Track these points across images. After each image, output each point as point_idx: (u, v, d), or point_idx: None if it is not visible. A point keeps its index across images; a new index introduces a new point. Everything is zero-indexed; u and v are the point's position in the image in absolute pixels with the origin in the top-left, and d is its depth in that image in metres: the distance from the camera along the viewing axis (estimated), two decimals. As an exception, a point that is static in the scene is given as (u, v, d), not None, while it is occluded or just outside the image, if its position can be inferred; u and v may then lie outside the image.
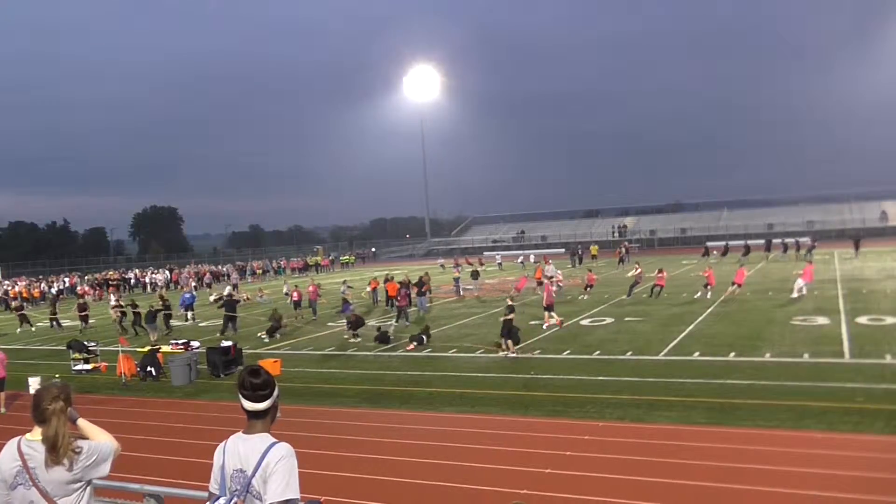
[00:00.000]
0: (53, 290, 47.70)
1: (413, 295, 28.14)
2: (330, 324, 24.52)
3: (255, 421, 3.26)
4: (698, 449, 9.38)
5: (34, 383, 16.09)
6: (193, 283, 45.74)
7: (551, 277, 32.31)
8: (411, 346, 18.79)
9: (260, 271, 59.41)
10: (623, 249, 48.73)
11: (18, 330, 29.89)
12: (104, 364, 18.78)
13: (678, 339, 17.81)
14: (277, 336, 22.30)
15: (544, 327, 20.76)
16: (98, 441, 3.60)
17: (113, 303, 29.21)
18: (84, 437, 3.62)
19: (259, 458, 3.13)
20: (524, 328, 20.81)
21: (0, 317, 37.34)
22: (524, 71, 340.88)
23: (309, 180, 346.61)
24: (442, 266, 49.77)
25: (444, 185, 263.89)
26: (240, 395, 3.26)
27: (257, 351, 19.93)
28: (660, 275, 26.95)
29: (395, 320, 23.58)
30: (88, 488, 3.58)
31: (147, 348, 18.37)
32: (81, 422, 3.68)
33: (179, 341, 20.89)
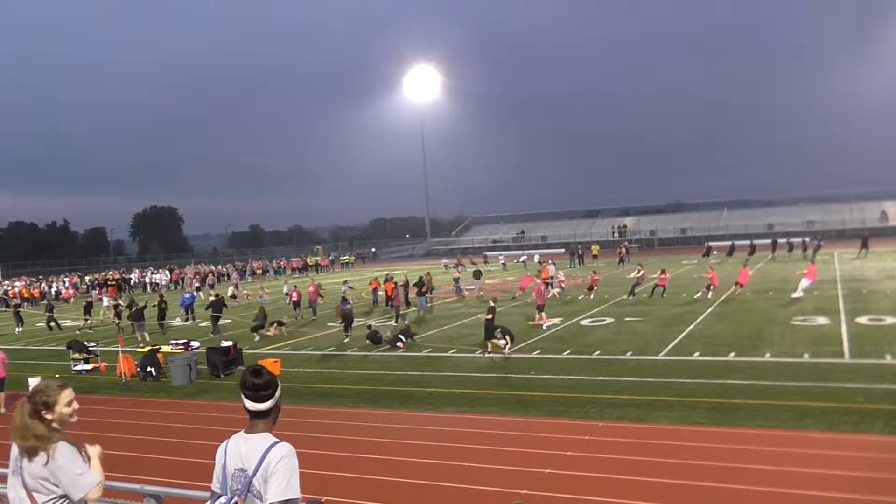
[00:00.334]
0: (53, 291, 47.71)
1: (413, 295, 28.21)
2: (330, 324, 24.51)
3: (256, 421, 3.27)
4: (698, 449, 9.38)
5: (34, 383, 16.12)
6: (197, 284, 45.75)
7: (551, 277, 32.37)
8: (400, 345, 18.87)
9: (260, 271, 59.41)
10: (623, 249, 48.73)
11: (18, 329, 29.94)
12: (104, 364, 18.78)
13: (678, 339, 17.81)
14: (260, 333, 22.31)
15: (545, 327, 20.77)
16: (83, 467, 3.58)
17: (106, 303, 29.26)
18: (83, 449, 3.67)
19: (260, 457, 3.14)
20: (524, 328, 20.85)
21: (0, 317, 37.33)
22: (524, 71, 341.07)
23: (309, 180, 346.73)
24: (445, 266, 49.80)
25: (444, 185, 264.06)
26: (242, 395, 3.27)
27: (257, 351, 19.93)
28: (662, 276, 26.92)
29: (393, 321, 23.59)
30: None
31: (147, 348, 18.37)
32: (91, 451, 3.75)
33: (179, 341, 20.91)
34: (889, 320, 18.57)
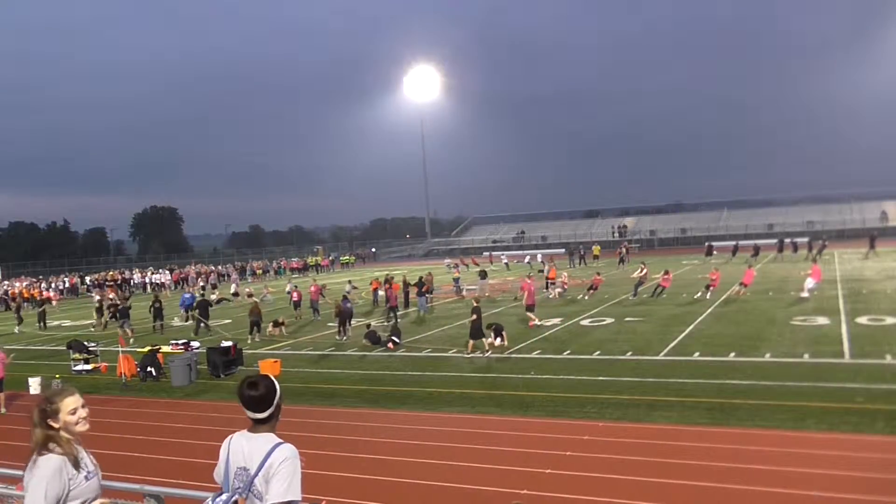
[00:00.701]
0: (51, 292, 47.68)
1: (413, 295, 28.21)
2: (330, 324, 24.49)
3: (258, 424, 3.30)
4: (698, 449, 9.38)
5: (34, 383, 16.13)
6: (202, 283, 45.77)
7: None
8: (391, 346, 18.92)
9: (260, 271, 59.39)
10: (623, 250, 48.72)
11: (17, 329, 30.10)
12: (104, 364, 18.79)
13: (678, 339, 17.81)
14: (260, 334, 22.32)
15: (547, 324, 20.77)
16: (47, 490, 3.37)
17: (96, 301, 29.44)
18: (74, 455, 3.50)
19: (263, 457, 3.15)
20: (524, 329, 20.86)
21: (0, 317, 37.34)
22: (524, 71, 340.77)
23: (309, 180, 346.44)
24: (448, 266, 49.86)
25: (444, 185, 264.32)
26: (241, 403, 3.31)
27: (257, 351, 19.93)
28: (665, 276, 26.87)
29: (396, 321, 23.60)
30: None
31: (147, 349, 18.37)
32: None
33: (179, 342, 20.90)
34: (889, 320, 18.57)
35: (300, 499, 3.12)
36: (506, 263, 50.87)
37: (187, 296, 30.44)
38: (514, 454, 9.62)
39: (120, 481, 5.01)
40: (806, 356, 14.83)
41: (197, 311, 25.45)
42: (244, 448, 3.24)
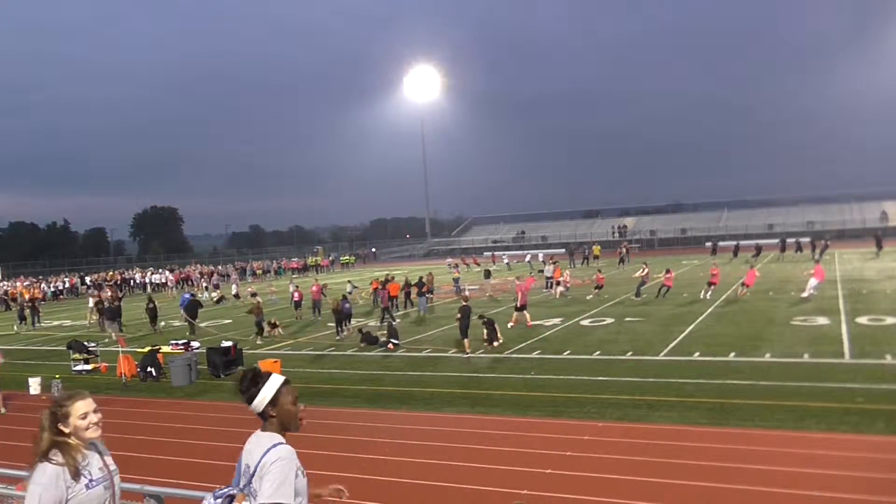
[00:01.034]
0: (51, 291, 47.71)
1: (413, 295, 28.22)
2: (330, 324, 24.48)
3: (264, 421, 3.32)
4: (698, 449, 9.38)
5: (34, 383, 16.13)
6: (205, 284, 45.79)
7: (551, 278, 32.36)
8: (391, 347, 18.93)
9: (260, 272, 59.39)
10: (623, 250, 48.74)
11: (16, 327, 30.25)
12: (104, 364, 18.78)
13: (678, 339, 17.81)
14: (266, 331, 22.31)
15: (547, 324, 20.77)
16: (35, 492, 3.27)
17: (91, 304, 29.56)
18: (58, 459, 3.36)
19: (260, 456, 3.15)
20: (524, 329, 20.86)
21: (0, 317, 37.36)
22: (524, 71, 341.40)
23: (309, 180, 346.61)
24: (449, 266, 49.87)
25: (444, 185, 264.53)
26: None
27: (257, 351, 19.93)
28: (667, 275, 26.83)
29: (392, 321, 23.58)
30: None
31: (147, 349, 18.37)
32: None
33: (179, 342, 20.90)
34: (889, 320, 18.57)
35: (290, 502, 3.08)
36: (507, 263, 50.89)
37: (187, 296, 30.45)
38: (514, 454, 9.61)
39: (120, 481, 5.00)
40: (806, 356, 14.82)
41: (188, 311, 25.47)
42: (250, 445, 3.28)
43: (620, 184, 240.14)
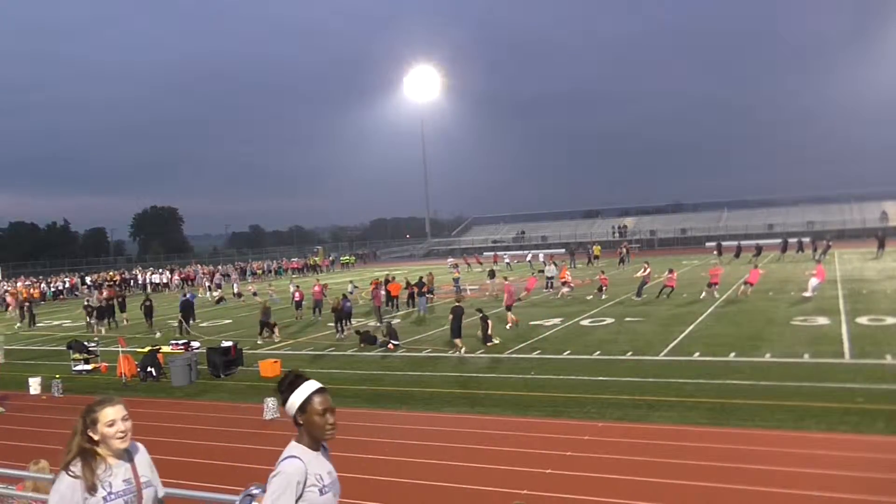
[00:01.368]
0: (51, 291, 47.70)
1: (413, 295, 28.22)
2: (330, 324, 24.49)
3: (298, 428, 3.31)
4: (698, 449, 9.38)
5: (34, 383, 16.13)
6: (208, 284, 45.82)
7: (551, 278, 32.35)
8: (391, 347, 18.95)
9: (260, 272, 59.39)
10: (623, 250, 48.72)
11: (17, 325, 30.32)
12: (104, 364, 18.78)
13: (678, 339, 17.81)
14: (275, 332, 22.29)
15: (547, 324, 20.76)
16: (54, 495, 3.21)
17: (86, 303, 29.69)
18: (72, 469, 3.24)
19: (275, 465, 3.15)
20: (525, 329, 20.87)
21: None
22: (524, 71, 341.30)
23: (309, 180, 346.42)
24: (450, 266, 49.87)
25: (444, 185, 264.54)
26: None
27: (257, 351, 19.93)
28: (669, 275, 26.78)
29: (380, 321, 23.58)
30: None
31: (147, 349, 18.38)
32: None
33: (179, 342, 20.90)
34: (889, 320, 18.56)
35: None
36: (508, 263, 50.90)
37: (189, 296, 30.49)
38: (514, 454, 9.62)
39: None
40: (806, 356, 14.82)
41: (180, 312, 25.52)
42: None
43: (620, 184, 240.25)
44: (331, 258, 70.44)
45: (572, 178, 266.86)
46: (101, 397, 3.35)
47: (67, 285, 52.34)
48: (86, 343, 19.80)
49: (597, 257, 50.54)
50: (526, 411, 11.88)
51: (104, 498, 3.18)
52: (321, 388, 3.32)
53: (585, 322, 21.76)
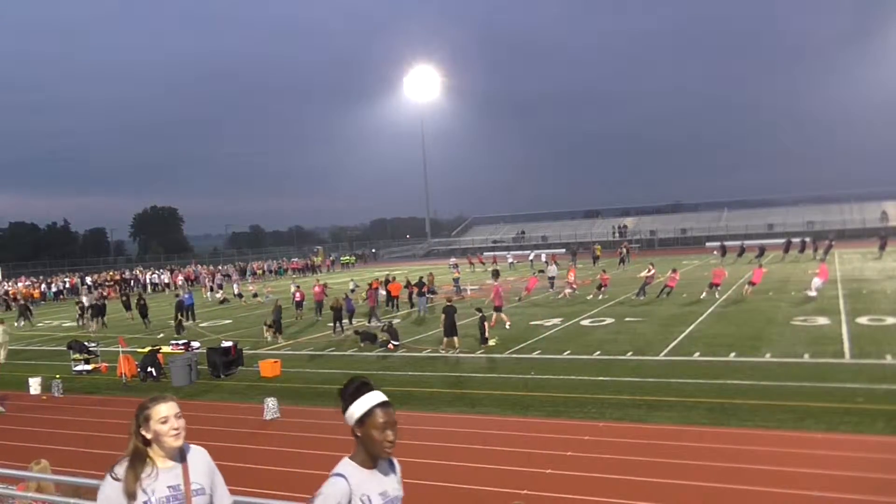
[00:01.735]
0: (52, 291, 47.69)
1: (414, 295, 28.21)
2: (330, 324, 24.50)
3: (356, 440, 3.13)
4: (698, 449, 9.38)
5: (34, 383, 16.14)
6: (210, 284, 45.81)
7: (553, 278, 32.32)
8: (391, 347, 18.97)
9: (260, 272, 59.36)
10: (624, 250, 48.71)
11: (18, 324, 30.37)
12: (104, 364, 18.78)
13: (678, 339, 17.81)
14: (271, 335, 22.29)
15: (547, 324, 20.76)
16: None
17: (86, 303, 29.77)
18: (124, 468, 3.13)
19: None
20: (524, 328, 20.87)
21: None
22: (524, 71, 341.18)
23: (309, 180, 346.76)
24: (450, 266, 49.86)
25: (444, 185, 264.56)
26: None
27: (258, 351, 19.93)
28: (672, 275, 26.75)
29: (375, 321, 23.57)
30: None
31: (147, 349, 18.38)
32: None
33: (180, 342, 20.91)
34: (889, 320, 18.56)
35: None
36: (510, 263, 50.90)
37: (186, 296, 30.49)
38: (514, 454, 9.62)
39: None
40: (806, 356, 14.82)
41: (176, 312, 25.58)
42: None
43: (620, 184, 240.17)
44: (331, 258, 70.42)
45: (572, 178, 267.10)
46: (155, 395, 3.26)
47: (67, 285, 52.32)
48: (86, 343, 19.80)
49: (597, 257, 50.52)
50: (526, 411, 11.88)
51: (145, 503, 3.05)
52: (385, 402, 3.11)
53: (585, 322, 21.76)
